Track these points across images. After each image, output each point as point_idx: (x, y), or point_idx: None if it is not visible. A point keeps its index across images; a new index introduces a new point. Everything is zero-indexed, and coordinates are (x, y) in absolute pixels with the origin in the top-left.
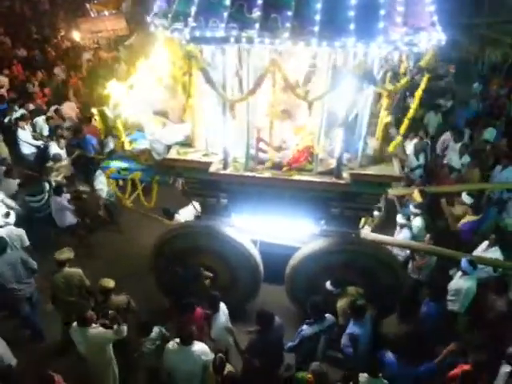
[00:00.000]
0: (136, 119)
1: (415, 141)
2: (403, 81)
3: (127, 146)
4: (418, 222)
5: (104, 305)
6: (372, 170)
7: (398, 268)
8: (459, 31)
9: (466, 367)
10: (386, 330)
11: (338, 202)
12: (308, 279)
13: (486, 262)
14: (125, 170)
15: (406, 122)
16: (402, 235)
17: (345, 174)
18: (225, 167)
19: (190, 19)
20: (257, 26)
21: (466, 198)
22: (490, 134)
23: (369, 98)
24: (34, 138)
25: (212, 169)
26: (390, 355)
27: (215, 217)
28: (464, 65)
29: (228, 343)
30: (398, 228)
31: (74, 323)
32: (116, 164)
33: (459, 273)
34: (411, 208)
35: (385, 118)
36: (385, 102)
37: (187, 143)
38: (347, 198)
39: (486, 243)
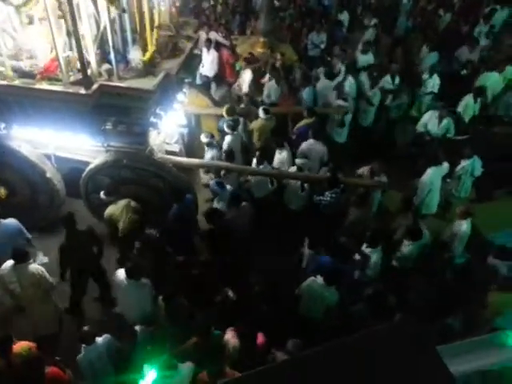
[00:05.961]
0: None
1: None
2: None
3: None
4: (227, 140)
5: None
6: (126, 83)
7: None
8: None
9: None
10: None
11: (98, 115)
12: (100, 191)
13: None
14: None
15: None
16: (208, 155)
17: (95, 86)
18: None
19: None
20: None
21: (261, 112)
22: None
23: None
24: None
25: None
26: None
27: None
28: None
29: None
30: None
31: None
32: None
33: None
34: (223, 126)
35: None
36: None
37: None
38: (106, 110)
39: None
